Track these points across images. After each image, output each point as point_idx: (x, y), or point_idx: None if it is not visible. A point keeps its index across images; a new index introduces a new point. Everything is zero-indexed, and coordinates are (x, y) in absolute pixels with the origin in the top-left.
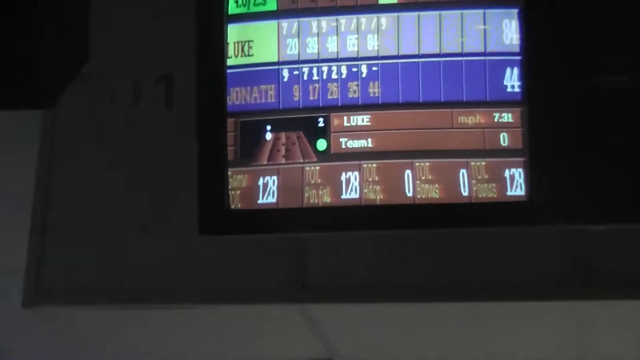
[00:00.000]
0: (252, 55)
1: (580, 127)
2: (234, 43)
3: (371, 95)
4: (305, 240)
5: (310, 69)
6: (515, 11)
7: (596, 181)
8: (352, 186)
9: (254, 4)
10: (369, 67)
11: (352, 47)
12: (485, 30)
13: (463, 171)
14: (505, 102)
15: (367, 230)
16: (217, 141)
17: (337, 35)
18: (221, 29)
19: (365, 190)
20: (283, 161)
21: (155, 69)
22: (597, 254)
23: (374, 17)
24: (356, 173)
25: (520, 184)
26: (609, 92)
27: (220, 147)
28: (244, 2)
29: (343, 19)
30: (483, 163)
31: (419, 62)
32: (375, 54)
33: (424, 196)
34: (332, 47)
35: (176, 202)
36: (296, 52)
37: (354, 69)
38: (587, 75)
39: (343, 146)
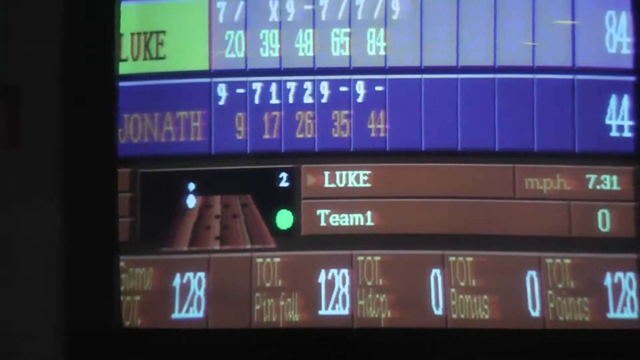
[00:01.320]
0: (163, 57)
1: None
2: (132, 36)
3: (372, 135)
4: None
5: (267, 84)
6: None
7: None
8: (338, 294)
9: None
10: (369, 84)
11: (339, 48)
12: (574, 27)
13: (532, 274)
14: (607, 155)
15: None
16: (99, 208)
17: (313, 26)
18: (109, 9)
19: (361, 303)
20: (217, 246)
21: None
22: None
23: None
24: (345, 271)
25: (632, 299)
26: None
27: (105, 219)
28: None
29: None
30: (567, 261)
31: (457, 79)
32: (381, 63)
33: (463, 316)
34: (305, 47)
35: (26, 308)
36: (242, 54)
37: (343, 88)
38: None
39: (323, 223)
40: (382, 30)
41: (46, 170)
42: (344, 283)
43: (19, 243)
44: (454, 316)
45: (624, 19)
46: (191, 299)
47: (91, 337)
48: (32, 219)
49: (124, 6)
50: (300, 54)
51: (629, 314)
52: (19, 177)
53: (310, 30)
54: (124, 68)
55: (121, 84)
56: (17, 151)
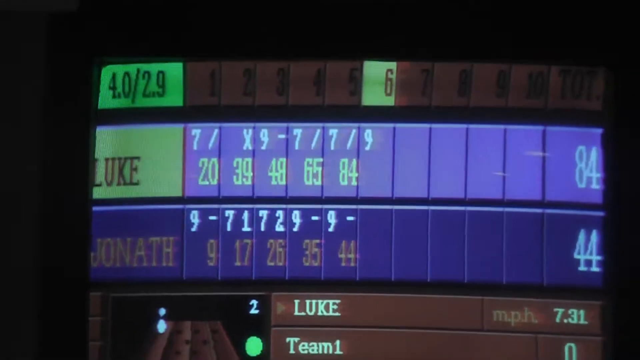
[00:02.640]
0: (136, 183)
1: None
2: (107, 161)
3: (343, 264)
4: None
5: (239, 212)
6: (597, 133)
7: None
8: None
9: (144, 94)
10: (340, 214)
11: (312, 178)
12: (544, 159)
13: None
14: (575, 289)
15: None
16: (69, 330)
17: (286, 155)
18: (84, 135)
19: None
20: None
21: None
22: None
23: (352, 129)
24: None
25: None
26: None
27: (75, 341)
28: (126, 88)
29: (299, 128)
30: None
31: (427, 210)
32: (353, 194)
33: None
34: (277, 175)
35: None
36: (215, 182)
37: (315, 217)
38: None
39: (292, 351)
40: (354, 161)
41: (17, 295)
42: None
43: None
44: None
45: (594, 155)
46: None
47: None
48: (2, 340)
49: (99, 131)
50: (273, 182)
51: None
52: None
53: (284, 159)
54: (97, 193)
55: (95, 208)
56: None
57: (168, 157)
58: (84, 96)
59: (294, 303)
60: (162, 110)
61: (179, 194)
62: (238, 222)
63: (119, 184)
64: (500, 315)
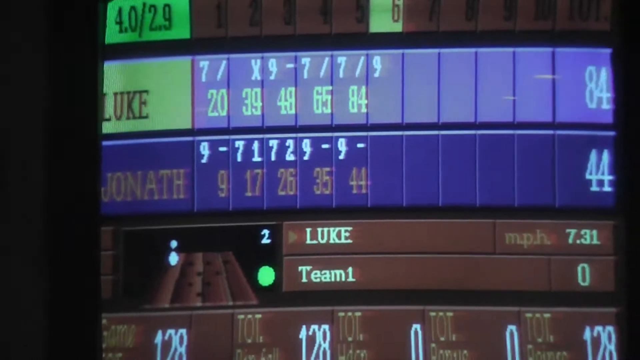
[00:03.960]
0: (146, 116)
1: None
2: (115, 95)
3: (354, 191)
4: None
5: (249, 142)
6: (606, 53)
7: None
8: (319, 350)
9: (150, 27)
10: (351, 142)
11: (321, 106)
12: (554, 81)
13: (511, 328)
14: (587, 210)
15: None
16: (81, 265)
17: (295, 85)
18: (92, 68)
19: (342, 358)
20: (199, 303)
21: None
22: None
23: (360, 56)
24: (326, 327)
25: (611, 353)
26: None
27: (87, 276)
28: (133, 22)
29: (307, 57)
30: (547, 315)
31: (438, 135)
32: (363, 121)
33: None
34: (287, 105)
35: None
36: (224, 113)
37: (325, 145)
38: None
39: (304, 279)
40: (363, 88)
41: (30, 224)
42: (324, 339)
43: (5, 297)
44: None
45: (604, 75)
46: (173, 355)
47: None
48: (16, 275)
49: (107, 66)
50: (283, 112)
51: None
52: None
53: (293, 89)
54: (107, 127)
55: (104, 143)
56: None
57: (177, 90)
58: (91, 31)
59: (305, 232)
60: (169, 44)
61: (188, 126)
62: (248, 152)
63: (128, 118)
64: (512, 238)
